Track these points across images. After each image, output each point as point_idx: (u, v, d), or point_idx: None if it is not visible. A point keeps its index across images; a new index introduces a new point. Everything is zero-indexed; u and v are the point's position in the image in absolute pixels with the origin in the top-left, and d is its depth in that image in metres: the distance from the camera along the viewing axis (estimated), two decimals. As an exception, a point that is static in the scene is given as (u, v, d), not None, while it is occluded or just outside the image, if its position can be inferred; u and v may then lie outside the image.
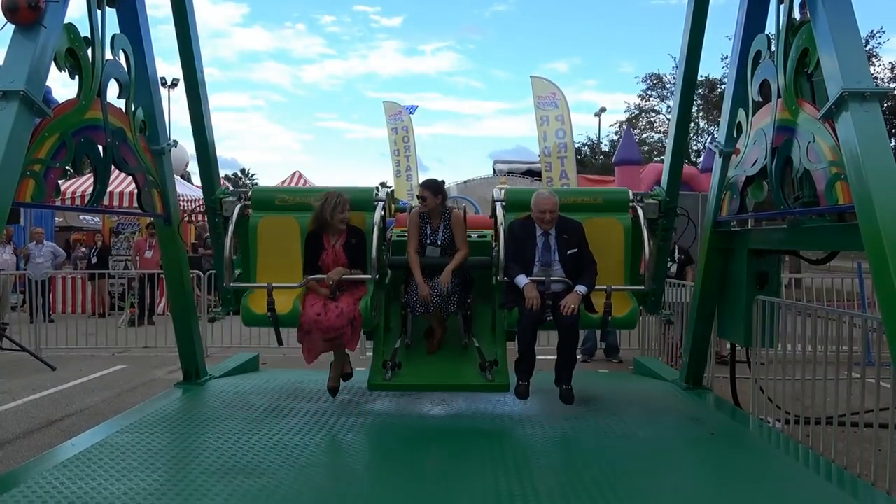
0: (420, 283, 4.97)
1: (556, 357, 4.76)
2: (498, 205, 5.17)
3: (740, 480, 3.51)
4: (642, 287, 4.97)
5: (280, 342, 4.84)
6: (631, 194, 5.34)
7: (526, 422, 4.74)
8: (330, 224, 4.77)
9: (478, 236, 5.73)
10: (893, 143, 23.13)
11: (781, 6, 4.58)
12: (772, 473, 3.64)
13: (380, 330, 5.13)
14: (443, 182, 5.30)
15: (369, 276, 4.72)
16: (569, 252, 4.76)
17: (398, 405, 5.24)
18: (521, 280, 4.66)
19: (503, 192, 5.34)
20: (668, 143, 6.05)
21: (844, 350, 5.14)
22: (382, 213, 5.07)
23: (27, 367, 9.03)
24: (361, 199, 5.05)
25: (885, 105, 21.89)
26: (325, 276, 4.67)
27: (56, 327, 11.03)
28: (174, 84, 31.13)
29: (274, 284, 4.71)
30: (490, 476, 3.58)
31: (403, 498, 3.35)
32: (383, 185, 5.92)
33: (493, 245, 5.29)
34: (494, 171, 27.24)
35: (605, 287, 4.71)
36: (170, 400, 5.33)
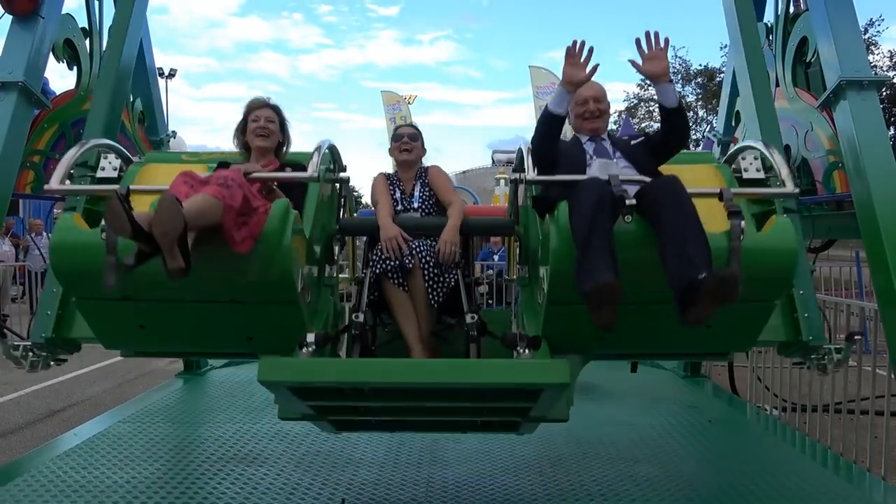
0: (385, 224, 3.26)
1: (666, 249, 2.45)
2: (519, 175, 3.29)
3: (738, 467, 3.55)
4: (786, 190, 2.80)
5: (135, 259, 2.29)
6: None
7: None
8: (247, 144, 3.23)
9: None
10: (892, 132, 23.15)
11: (780, -5, 4.58)
12: (769, 460, 3.67)
13: (304, 308, 2.75)
14: None
15: (307, 175, 2.87)
16: (633, 142, 3.10)
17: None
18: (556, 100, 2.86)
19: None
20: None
21: (841, 338, 5.16)
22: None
23: (28, 358, 9.05)
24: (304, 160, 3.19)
25: (884, 94, 21.86)
26: (230, 166, 2.84)
27: (56, 318, 11.04)
28: (171, 74, 31.04)
29: (133, 186, 2.82)
30: (490, 466, 3.62)
31: (405, 484, 3.38)
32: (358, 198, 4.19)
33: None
34: (493, 162, 27.23)
35: (716, 189, 2.64)
36: (171, 390, 5.36)
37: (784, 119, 4.46)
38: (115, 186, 2.78)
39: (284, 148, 3.33)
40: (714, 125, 6.00)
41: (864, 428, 4.58)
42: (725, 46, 5.53)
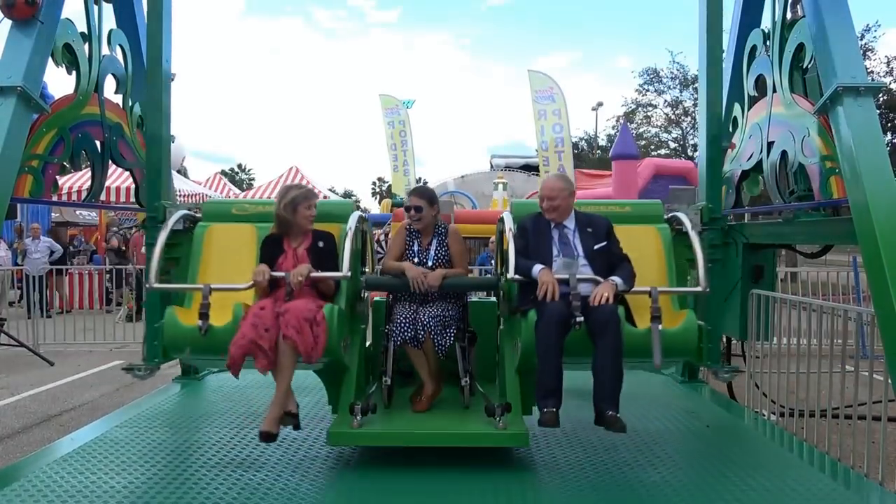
0: (407, 265, 4.10)
1: (591, 374, 3.43)
2: (507, 227, 4.05)
3: (736, 472, 3.55)
4: (698, 289, 3.76)
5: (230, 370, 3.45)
6: (664, 206, 4.43)
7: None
8: (291, 223, 3.90)
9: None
10: (888, 138, 23.18)
11: (776, 1, 4.61)
12: (767, 465, 3.67)
13: (346, 360, 3.84)
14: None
15: (342, 274, 3.74)
16: (595, 247, 3.79)
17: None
18: (536, 268, 3.65)
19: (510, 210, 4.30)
20: (701, 149, 5.33)
21: (839, 343, 5.17)
22: (360, 225, 4.25)
23: (25, 362, 9.04)
24: (337, 212, 4.25)
25: (881, 99, 21.92)
26: (282, 273, 3.70)
27: (54, 323, 11.03)
28: (172, 77, 31.01)
29: (213, 285, 3.60)
30: (488, 471, 3.61)
31: (404, 491, 3.38)
32: (357, 206, 4.95)
33: (496, 267, 4.35)
34: (492, 166, 27.25)
35: (647, 289, 3.53)
36: (168, 394, 5.35)
37: (781, 124, 4.48)
38: (201, 287, 3.60)
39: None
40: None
41: (861, 433, 4.59)
42: (722, 52, 5.58)
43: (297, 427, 3.64)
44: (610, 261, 3.76)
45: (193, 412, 4.82)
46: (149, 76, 5.12)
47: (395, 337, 4.01)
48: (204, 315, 3.49)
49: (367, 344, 4.48)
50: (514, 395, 3.74)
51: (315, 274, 3.71)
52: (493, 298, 4.89)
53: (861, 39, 22.95)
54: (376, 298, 4.90)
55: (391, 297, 4.42)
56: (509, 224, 4.01)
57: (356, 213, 4.18)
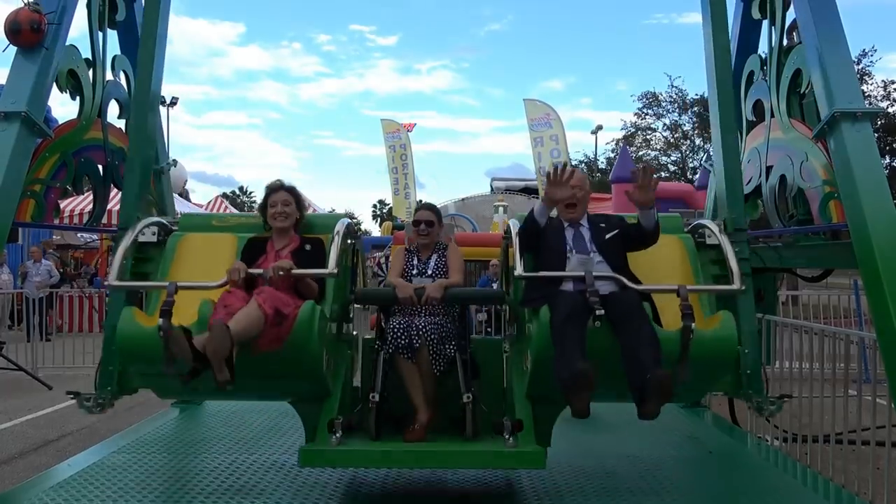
0: (401, 283, 3.84)
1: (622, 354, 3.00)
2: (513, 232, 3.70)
3: (740, 499, 3.51)
4: (733, 287, 3.31)
5: (189, 374, 2.94)
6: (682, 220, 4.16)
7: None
8: (271, 221, 3.70)
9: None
10: (887, 161, 23.28)
11: (773, 27, 4.66)
12: (771, 492, 3.63)
13: (328, 383, 3.43)
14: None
15: (327, 270, 3.36)
16: (608, 236, 3.54)
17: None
18: (537, 207, 3.53)
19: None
20: (717, 163, 4.76)
21: (841, 367, 5.15)
22: (350, 237, 3.99)
23: (24, 386, 8.99)
24: (328, 223, 3.84)
25: (879, 123, 22.06)
26: (260, 270, 3.35)
27: (53, 346, 10.98)
28: (173, 102, 31.33)
29: (180, 283, 3.20)
30: (487, 496, 3.58)
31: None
32: (357, 227, 4.72)
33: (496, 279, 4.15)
34: (492, 189, 27.40)
35: (675, 286, 3.15)
36: (166, 420, 5.31)
37: (779, 149, 4.50)
38: (165, 284, 3.22)
39: (301, 222, 3.83)
40: (710, 154, 6.05)
41: (865, 459, 4.55)
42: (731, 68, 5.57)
43: (192, 374, 2.95)
44: (626, 245, 3.52)
45: (192, 437, 4.78)
46: (134, 98, 5.05)
47: (387, 346, 3.62)
48: (166, 312, 2.97)
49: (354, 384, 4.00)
50: (527, 419, 3.29)
51: (297, 271, 3.34)
52: (498, 337, 4.72)
53: (858, 64, 23.19)
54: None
55: (383, 315, 3.98)
56: (515, 229, 3.67)
57: (345, 220, 3.83)
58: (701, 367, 2.98)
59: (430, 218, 4.07)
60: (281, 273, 3.25)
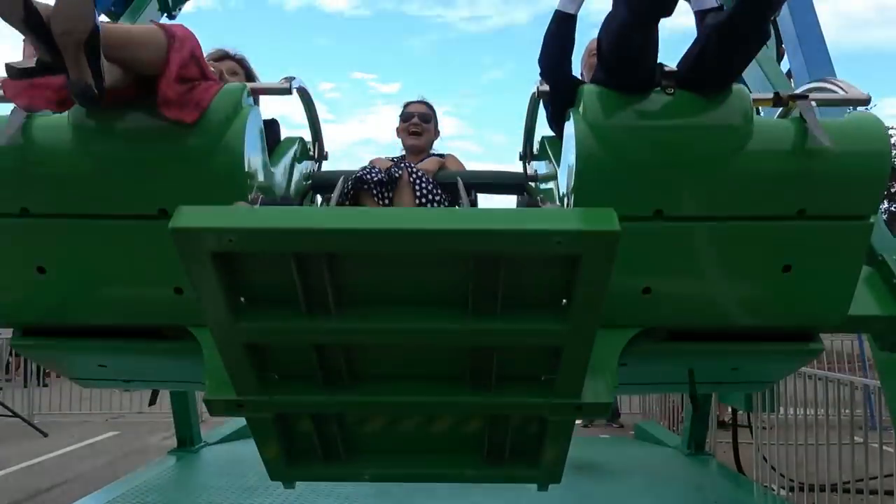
0: (378, 160, 2.94)
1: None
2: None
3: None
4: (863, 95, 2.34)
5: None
6: None
7: (521, 486, 4.63)
8: None
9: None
10: (886, 206, 23.47)
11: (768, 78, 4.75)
12: (777, 543, 3.56)
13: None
14: None
15: (277, 85, 2.51)
16: None
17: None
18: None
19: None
20: None
21: (846, 414, 5.09)
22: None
23: (19, 433, 8.88)
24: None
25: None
26: None
27: (50, 392, 10.88)
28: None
29: None
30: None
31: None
32: None
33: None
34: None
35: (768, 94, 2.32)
36: (163, 468, 5.23)
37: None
38: None
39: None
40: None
41: (874, 508, 4.46)
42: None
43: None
44: None
45: (188, 486, 4.71)
46: None
47: (354, 174, 2.64)
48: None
49: None
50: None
51: (252, 83, 2.48)
52: None
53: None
54: None
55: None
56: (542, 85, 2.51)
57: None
58: (840, 190, 2.05)
59: (424, 111, 3.17)
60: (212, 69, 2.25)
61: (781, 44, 4.40)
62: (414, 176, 2.60)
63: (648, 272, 2.10)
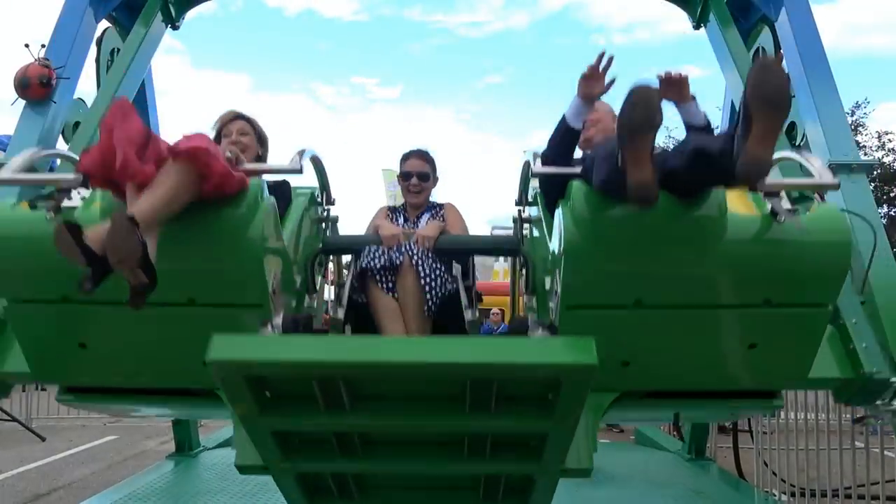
0: (385, 224, 3.04)
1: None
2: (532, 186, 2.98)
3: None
4: (830, 181, 2.42)
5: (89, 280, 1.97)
6: None
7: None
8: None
9: None
10: (885, 210, 23.48)
11: (767, 82, 4.75)
12: (779, 549, 3.54)
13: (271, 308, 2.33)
14: None
15: (287, 166, 2.58)
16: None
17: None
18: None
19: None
20: None
21: (847, 418, 5.07)
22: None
23: (16, 437, 8.86)
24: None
25: (875, 173, 22.33)
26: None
27: (48, 396, 10.85)
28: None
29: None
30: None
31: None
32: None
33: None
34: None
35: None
36: (161, 472, 5.21)
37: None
38: (71, 177, 2.36)
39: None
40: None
41: (875, 514, 4.44)
42: (716, 128, 5.68)
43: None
44: None
45: (187, 491, 4.69)
46: None
47: (360, 261, 2.78)
48: (58, 199, 2.20)
49: None
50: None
51: (256, 165, 2.72)
52: None
53: (852, 116, 23.51)
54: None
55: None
56: (532, 160, 2.73)
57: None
58: (801, 282, 2.20)
59: (422, 169, 3.21)
60: (229, 155, 2.43)
61: (780, 49, 4.40)
62: (416, 258, 2.77)
63: (628, 349, 2.31)
